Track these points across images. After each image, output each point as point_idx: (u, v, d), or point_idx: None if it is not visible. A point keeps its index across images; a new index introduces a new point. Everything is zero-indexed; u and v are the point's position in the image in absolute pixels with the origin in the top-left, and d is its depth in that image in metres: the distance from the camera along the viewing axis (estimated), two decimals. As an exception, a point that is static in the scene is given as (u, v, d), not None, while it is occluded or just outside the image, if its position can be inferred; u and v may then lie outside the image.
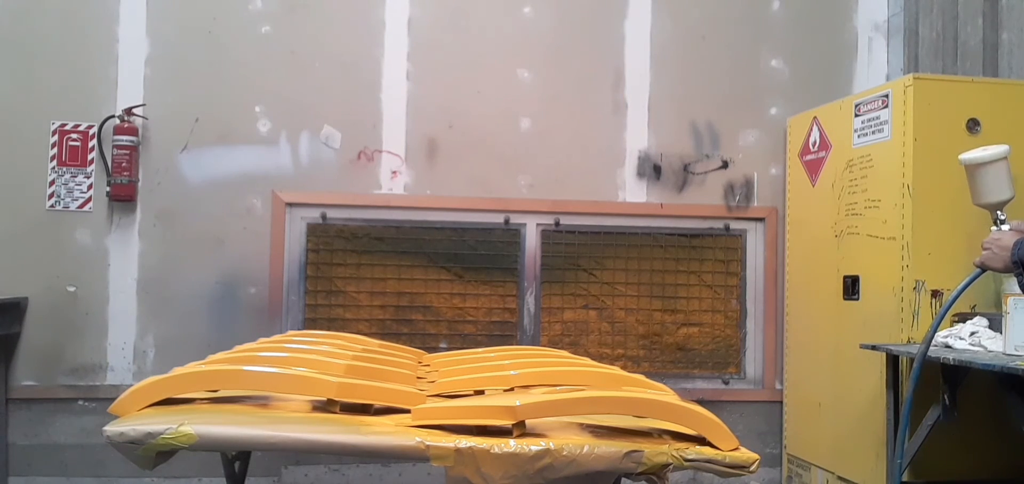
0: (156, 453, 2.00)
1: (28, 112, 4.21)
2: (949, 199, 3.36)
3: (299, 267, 4.39)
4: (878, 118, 3.66)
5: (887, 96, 3.61)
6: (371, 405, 2.32)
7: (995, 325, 3.15)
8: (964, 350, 3.10)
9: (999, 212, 2.40)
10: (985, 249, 2.38)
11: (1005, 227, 2.39)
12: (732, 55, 4.61)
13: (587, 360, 3.22)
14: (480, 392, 2.58)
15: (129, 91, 4.27)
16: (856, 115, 3.82)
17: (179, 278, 4.29)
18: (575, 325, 4.53)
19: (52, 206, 4.22)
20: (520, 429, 2.07)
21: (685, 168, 4.57)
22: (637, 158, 4.54)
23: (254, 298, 4.32)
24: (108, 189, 4.20)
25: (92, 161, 4.25)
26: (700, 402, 2.55)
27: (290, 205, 4.37)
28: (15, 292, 4.14)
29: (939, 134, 3.45)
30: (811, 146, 4.23)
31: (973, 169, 2.42)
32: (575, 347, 4.36)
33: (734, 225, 4.61)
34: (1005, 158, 2.38)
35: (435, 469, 2.04)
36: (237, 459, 2.81)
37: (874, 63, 4.67)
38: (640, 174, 4.55)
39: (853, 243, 3.82)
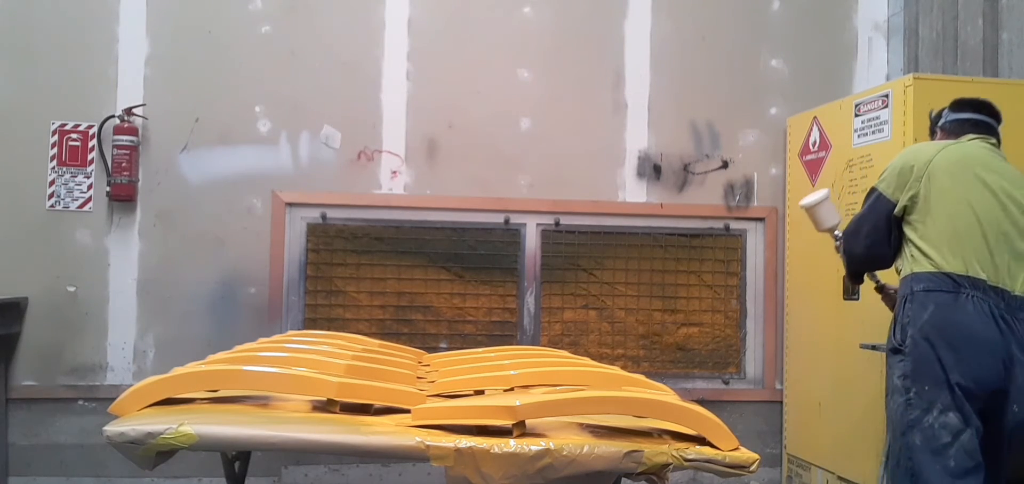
0: (156, 453, 2.00)
1: (28, 112, 4.21)
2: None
3: (299, 267, 4.39)
4: (878, 118, 3.66)
5: (887, 96, 3.61)
6: (371, 405, 2.32)
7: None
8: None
9: (835, 232, 3.07)
10: (838, 246, 3.05)
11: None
12: (732, 55, 4.61)
13: (587, 360, 3.21)
14: (480, 392, 2.58)
15: (129, 91, 4.27)
16: (856, 115, 3.82)
17: (179, 278, 4.28)
18: (575, 325, 4.52)
19: (52, 206, 4.22)
20: (520, 429, 2.07)
21: (685, 168, 4.57)
22: (637, 158, 4.54)
23: (254, 298, 4.32)
24: (108, 189, 4.20)
25: (92, 161, 4.25)
26: (700, 402, 2.55)
27: (290, 205, 4.37)
28: (15, 292, 4.14)
29: (939, 134, 3.45)
30: (811, 146, 4.23)
31: (809, 210, 3.12)
32: (575, 347, 4.36)
33: (734, 225, 4.61)
34: (827, 198, 3.09)
35: (435, 469, 2.04)
36: (237, 459, 2.81)
37: (874, 63, 4.67)
38: (640, 174, 4.55)
39: (853, 243, 3.81)
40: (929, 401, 2.56)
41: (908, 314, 2.65)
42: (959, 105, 2.87)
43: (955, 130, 2.83)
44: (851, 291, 3.78)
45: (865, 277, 3.07)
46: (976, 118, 2.82)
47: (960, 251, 2.61)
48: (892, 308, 2.89)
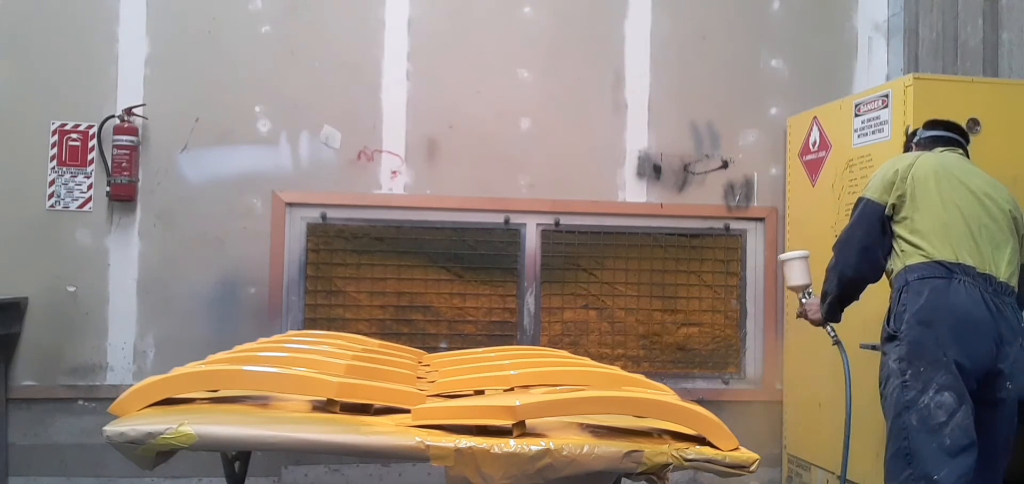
0: (156, 453, 2.00)
1: (28, 112, 4.21)
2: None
3: (299, 267, 4.39)
4: (878, 118, 3.66)
5: (887, 96, 3.61)
6: (371, 405, 2.32)
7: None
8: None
9: (804, 292, 3.31)
10: (804, 307, 3.32)
11: (813, 298, 3.28)
12: (732, 55, 4.61)
13: (587, 360, 3.21)
14: (480, 392, 2.58)
15: (129, 91, 4.27)
16: (856, 115, 3.81)
17: (179, 278, 4.28)
18: (575, 325, 4.52)
19: (52, 206, 4.22)
20: (520, 429, 2.07)
21: (685, 168, 4.57)
22: (637, 158, 4.54)
23: (254, 298, 4.32)
24: (108, 189, 4.20)
25: (92, 161, 4.25)
26: (700, 402, 2.55)
27: (290, 205, 4.37)
28: (15, 292, 4.14)
29: (939, 134, 3.45)
30: (811, 146, 4.23)
31: (783, 265, 3.38)
32: (575, 347, 4.36)
33: (734, 225, 4.61)
34: (805, 258, 3.32)
35: (435, 469, 2.04)
36: (237, 459, 2.81)
37: (874, 63, 4.67)
38: (640, 174, 4.55)
39: (853, 243, 3.81)
40: (925, 381, 2.68)
41: (904, 302, 2.79)
42: (932, 125, 3.10)
43: (929, 146, 3.05)
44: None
45: (829, 325, 3.26)
46: (947, 135, 3.05)
47: (949, 241, 2.76)
48: (843, 362, 3.23)
